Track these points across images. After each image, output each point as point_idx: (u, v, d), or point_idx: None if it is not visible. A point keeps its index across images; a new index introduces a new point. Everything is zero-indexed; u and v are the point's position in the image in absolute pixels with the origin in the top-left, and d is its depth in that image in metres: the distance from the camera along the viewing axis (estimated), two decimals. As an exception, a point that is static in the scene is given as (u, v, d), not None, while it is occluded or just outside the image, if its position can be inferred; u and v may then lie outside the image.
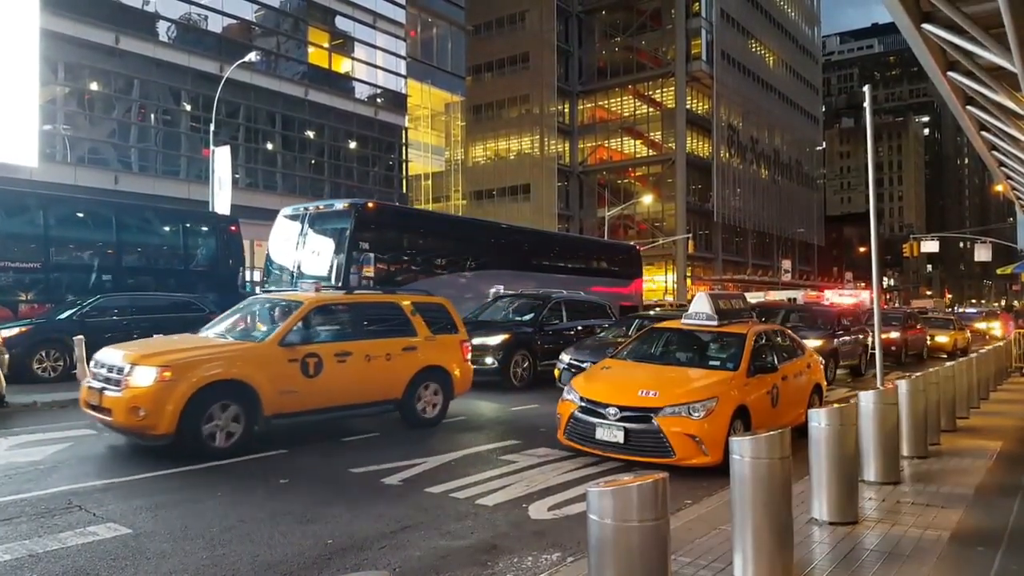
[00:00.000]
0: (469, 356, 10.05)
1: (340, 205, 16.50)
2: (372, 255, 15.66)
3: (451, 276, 18.73)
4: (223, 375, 7.38)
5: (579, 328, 14.80)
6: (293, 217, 16.57)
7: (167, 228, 18.68)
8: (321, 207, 16.84)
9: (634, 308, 24.95)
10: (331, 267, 15.36)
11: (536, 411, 10.88)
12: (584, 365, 10.93)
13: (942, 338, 25.30)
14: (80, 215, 17.16)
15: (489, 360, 12.95)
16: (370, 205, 16.72)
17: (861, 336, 18.21)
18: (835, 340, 16.18)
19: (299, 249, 16.04)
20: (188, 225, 18.89)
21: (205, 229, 19.38)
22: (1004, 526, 5.41)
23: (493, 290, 20.06)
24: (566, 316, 15.03)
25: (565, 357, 12.08)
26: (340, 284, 14.66)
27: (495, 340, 13.14)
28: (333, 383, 8.23)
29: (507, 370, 13.10)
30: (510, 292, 17.03)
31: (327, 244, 15.87)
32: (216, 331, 8.70)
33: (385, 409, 9.01)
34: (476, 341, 12.39)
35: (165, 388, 6.98)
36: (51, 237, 15.83)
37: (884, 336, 18.94)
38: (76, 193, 23.06)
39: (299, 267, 15.80)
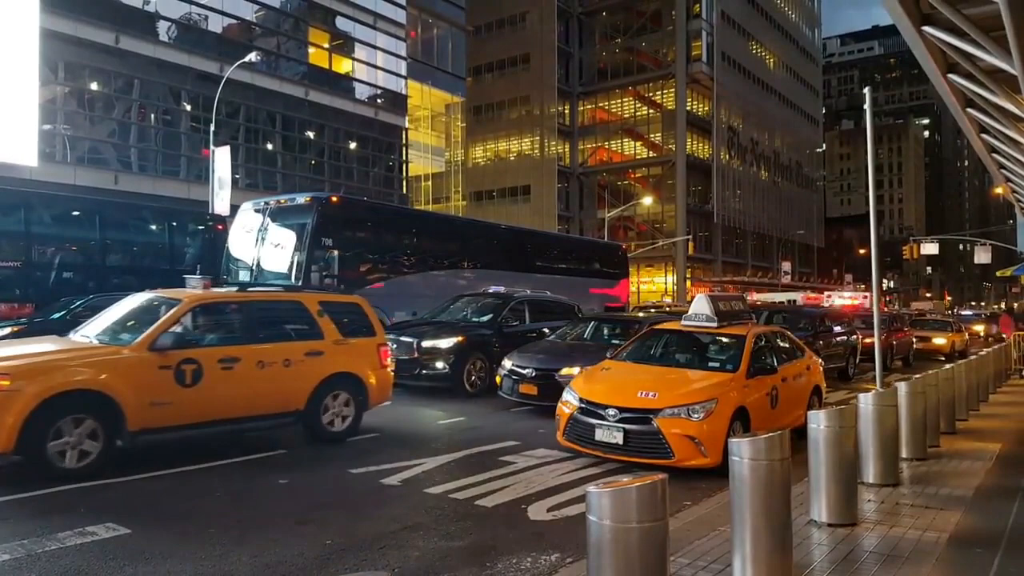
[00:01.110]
0: (389, 361, 9.06)
1: (302, 199, 15.79)
2: (336, 252, 15.04)
3: (423, 275, 17.87)
4: (76, 384, 6.39)
5: (544, 330, 13.67)
6: (254, 211, 15.91)
7: (153, 226, 18.41)
8: (283, 201, 16.21)
9: (620, 309, 24.42)
10: (291, 264, 14.71)
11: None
12: (526, 371, 10.45)
13: (939, 340, 24.87)
14: (63, 213, 16.84)
15: (440, 365, 11.99)
16: (334, 199, 16.09)
17: (851, 338, 17.69)
18: (818, 341, 15.62)
19: (259, 245, 15.34)
20: (174, 224, 18.57)
21: (192, 228, 19.13)
22: (1003, 528, 5.41)
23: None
24: (529, 317, 14.01)
25: (507, 363, 10.95)
26: (301, 283, 14.09)
27: (446, 343, 12.14)
28: (216, 393, 7.23)
29: (460, 376, 12.06)
30: (470, 291, 16.04)
31: (288, 240, 15.13)
32: (85, 332, 7.59)
33: (284, 422, 8.00)
34: (426, 344, 11.94)
35: (3, 399, 6.01)
36: (33, 235, 15.52)
37: (869, 340, 18.64)
38: (76, 193, 23.07)
39: (259, 263, 15.20)
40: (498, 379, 11.15)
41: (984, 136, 12.87)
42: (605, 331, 12.57)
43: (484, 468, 7.19)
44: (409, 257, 18.17)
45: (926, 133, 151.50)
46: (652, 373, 8.19)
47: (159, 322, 7.13)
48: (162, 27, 30.54)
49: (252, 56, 27.67)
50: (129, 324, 7.49)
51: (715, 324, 8.84)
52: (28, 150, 24.16)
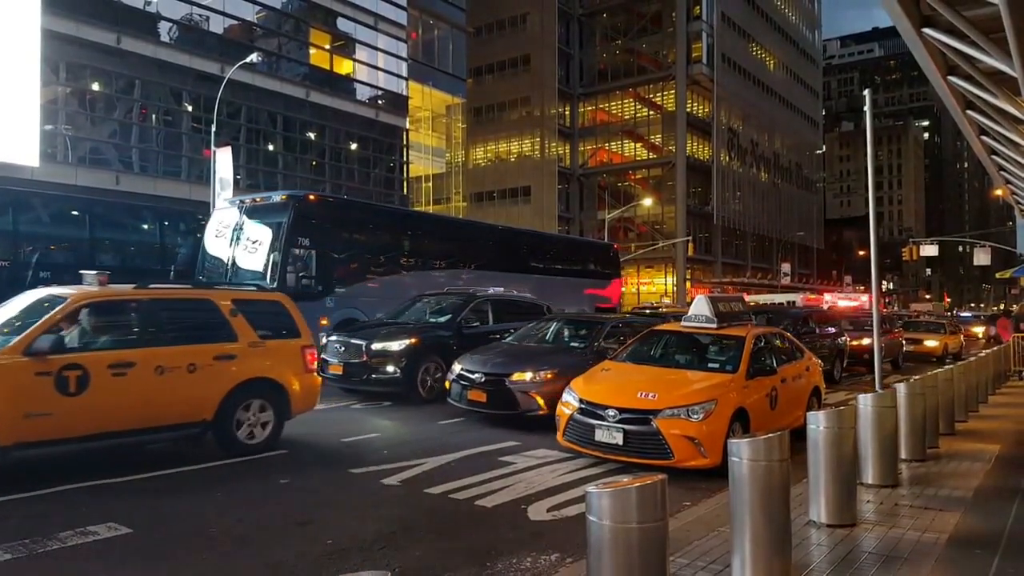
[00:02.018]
0: (315, 365, 8.32)
1: (277, 197, 15.30)
2: (313, 252, 14.59)
3: (405, 275, 17.27)
4: None
5: (510, 331, 12.72)
6: (229, 209, 15.50)
7: (144, 226, 18.08)
8: (258, 199, 15.70)
9: (612, 310, 23.87)
10: (266, 264, 14.26)
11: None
12: (475, 376, 9.71)
13: (931, 342, 23.96)
14: (52, 212, 16.53)
15: (391, 368, 11.25)
16: (311, 197, 15.65)
17: (838, 340, 17.20)
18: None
19: (234, 244, 14.88)
20: (166, 223, 18.18)
21: (184, 227, 18.66)
22: (1002, 529, 5.42)
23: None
24: (493, 317, 13.24)
25: (456, 366, 10.16)
26: (276, 284, 13.68)
27: (398, 345, 11.40)
28: (105, 403, 6.52)
29: (413, 380, 11.33)
30: (433, 291, 15.43)
31: (263, 239, 14.62)
32: None
33: (190, 433, 7.28)
34: (376, 346, 11.32)
35: None
36: (20, 233, 15.25)
37: (856, 342, 18.34)
38: (74, 193, 23.08)
39: (233, 263, 14.75)
40: (447, 384, 10.33)
41: (984, 138, 12.90)
42: (566, 333, 11.70)
43: (484, 468, 7.20)
44: (391, 257, 17.53)
45: (926, 135, 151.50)
46: (652, 374, 8.21)
47: (39, 323, 6.42)
48: (163, 28, 30.57)
49: (253, 57, 27.69)
50: (15, 325, 6.72)
51: (715, 325, 8.86)
52: (30, 150, 24.17)
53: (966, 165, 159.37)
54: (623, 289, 62.34)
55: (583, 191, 67.26)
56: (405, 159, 42.04)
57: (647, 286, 64.45)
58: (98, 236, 16.74)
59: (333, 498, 6.17)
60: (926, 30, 7.81)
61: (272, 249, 14.28)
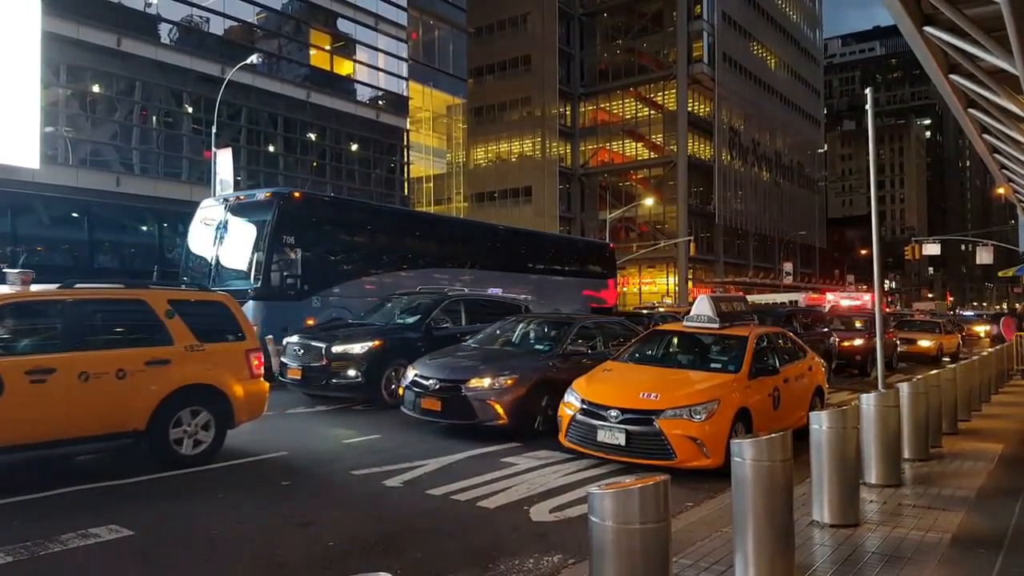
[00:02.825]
0: (262, 370, 7.78)
1: (262, 195, 14.98)
2: (299, 251, 14.21)
3: (395, 274, 16.90)
4: None
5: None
6: (213, 207, 15.16)
7: (143, 227, 17.96)
8: (242, 196, 15.39)
9: (608, 310, 23.56)
10: (250, 263, 13.96)
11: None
12: (429, 383, 8.94)
13: (925, 342, 22.98)
14: (49, 213, 16.49)
15: (352, 372, 10.59)
16: (296, 195, 15.27)
17: (827, 340, 16.81)
18: None
19: (218, 243, 14.56)
20: (165, 224, 17.99)
21: (182, 228, 18.90)
22: (1005, 529, 5.40)
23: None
24: (466, 318, 12.60)
25: (411, 371, 9.42)
26: (260, 283, 13.52)
27: (360, 348, 10.78)
28: (21, 412, 6.05)
29: (377, 385, 10.75)
30: (404, 291, 14.94)
31: (247, 238, 14.28)
32: None
33: (120, 443, 6.82)
34: (337, 349, 10.68)
35: None
36: (18, 236, 15.19)
37: (847, 343, 17.74)
38: (73, 194, 23.08)
39: (217, 262, 14.42)
40: (401, 391, 9.51)
41: (986, 136, 12.86)
42: (532, 334, 10.83)
43: (486, 469, 7.19)
44: (380, 256, 17.17)
45: (928, 133, 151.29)
46: (654, 374, 8.19)
47: None
48: (164, 29, 30.58)
49: (254, 58, 27.71)
50: None
51: (717, 325, 8.85)
52: (30, 152, 24.16)
53: (968, 164, 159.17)
54: (624, 289, 62.63)
55: (584, 191, 67.26)
56: (406, 160, 42.05)
57: (649, 286, 64.45)
58: (96, 238, 16.63)
59: (334, 500, 6.16)
60: (927, 28, 7.79)
61: (256, 248, 13.96)
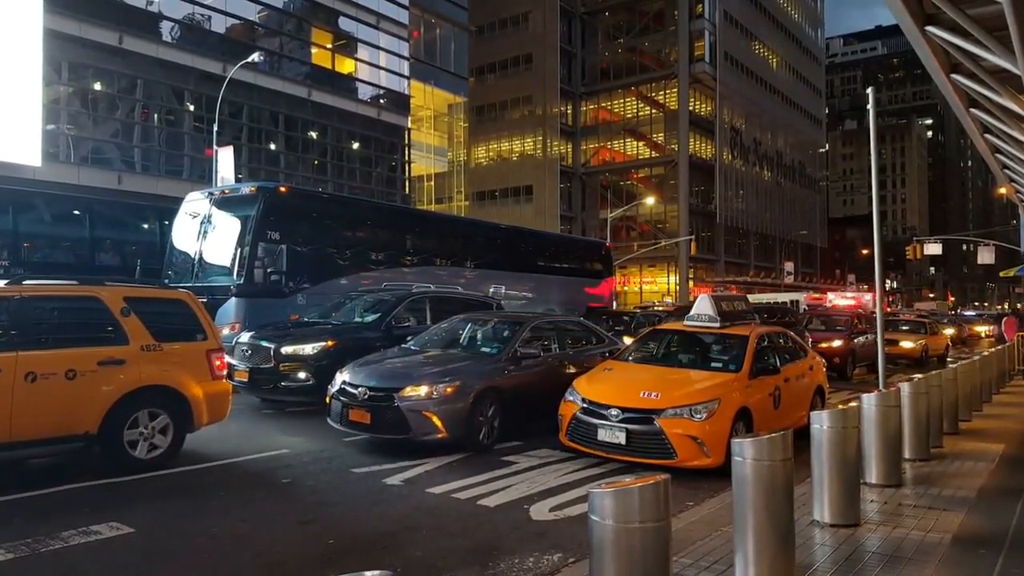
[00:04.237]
0: (224, 371, 7.50)
1: (246, 189, 14.67)
2: (284, 247, 13.80)
3: (384, 272, 16.45)
4: None
5: None
6: (198, 201, 14.76)
7: (145, 225, 17.83)
8: (227, 191, 15.09)
9: (604, 309, 22.99)
10: (233, 259, 13.56)
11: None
12: (357, 391, 7.89)
13: (908, 343, 21.38)
14: (51, 210, 16.41)
15: (303, 375, 9.91)
16: (281, 189, 15.01)
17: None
18: None
19: (201, 238, 14.17)
20: (167, 222, 17.52)
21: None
22: (1006, 529, 5.40)
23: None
24: (432, 316, 11.77)
25: (339, 377, 8.40)
26: (243, 280, 13.19)
27: (311, 348, 10.14)
28: None
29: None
30: (367, 288, 14.54)
31: (231, 233, 13.89)
32: None
33: (70, 447, 6.51)
34: (286, 350, 10.05)
35: None
36: (20, 233, 15.17)
37: (824, 344, 16.87)
38: (78, 192, 23.09)
39: (200, 257, 14.03)
40: (328, 399, 8.38)
41: (988, 136, 12.86)
42: (480, 335, 9.84)
43: (486, 468, 7.19)
44: (369, 253, 16.66)
45: (929, 133, 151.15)
46: (655, 373, 8.19)
47: None
48: (165, 27, 30.60)
49: (255, 56, 27.71)
50: None
51: (718, 324, 8.84)
52: (32, 150, 24.22)
53: (970, 163, 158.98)
54: (625, 288, 62.64)
55: (585, 190, 67.24)
56: (407, 158, 42.07)
57: (650, 285, 64.45)
58: (98, 236, 16.52)
59: (335, 498, 6.16)
60: (929, 28, 7.79)
61: (240, 243, 13.58)
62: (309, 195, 18.31)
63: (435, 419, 7.58)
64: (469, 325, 10.09)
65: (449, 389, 7.74)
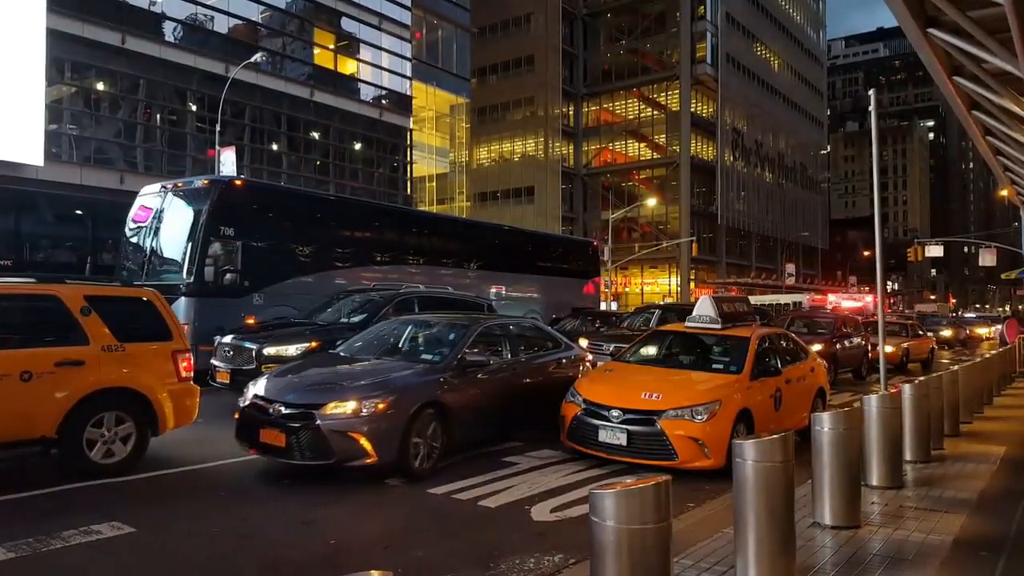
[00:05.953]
0: (190, 373, 7.17)
1: (199, 182, 14.06)
2: (239, 244, 13.26)
3: (350, 270, 15.82)
4: None
5: None
6: (151, 196, 14.19)
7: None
8: (180, 184, 14.38)
9: (588, 310, 22.04)
10: (184, 256, 13.01)
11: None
12: (271, 407, 6.61)
13: (886, 347, 20.60)
14: (57, 210, 16.40)
15: None
16: (236, 182, 14.49)
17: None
18: None
19: (153, 234, 13.67)
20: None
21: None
22: (1008, 531, 5.40)
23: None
24: None
25: (251, 389, 7.11)
26: (192, 277, 12.64)
27: (295, 349, 9.87)
28: None
29: None
30: (353, 288, 14.06)
31: (183, 228, 13.35)
32: None
33: (26, 452, 6.22)
34: (269, 351, 9.89)
35: None
36: (23, 233, 15.14)
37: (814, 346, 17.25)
38: (79, 192, 23.14)
39: (152, 253, 13.54)
40: (236, 415, 7.02)
41: (989, 138, 12.86)
42: (422, 338, 8.77)
43: (487, 469, 7.19)
44: (334, 251, 15.96)
45: (931, 135, 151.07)
46: (656, 374, 8.19)
47: None
48: (168, 28, 30.62)
49: (258, 57, 27.79)
50: None
51: (719, 326, 8.84)
52: (34, 150, 24.25)
53: (971, 165, 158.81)
54: (626, 289, 62.62)
55: (587, 191, 67.28)
56: (409, 159, 42.08)
57: (651, 286, 64.46)
58: (100, 236, 16.49)
59: (336, 498, 6.16)
60: (931, 30, 7.79)
61: (190, 239, 13.03)
62: (267, 188, 17.55)
63: (363, 440, 6.29)
64: (410, 328, 8.92)
65: (381, 405, 6.47)
